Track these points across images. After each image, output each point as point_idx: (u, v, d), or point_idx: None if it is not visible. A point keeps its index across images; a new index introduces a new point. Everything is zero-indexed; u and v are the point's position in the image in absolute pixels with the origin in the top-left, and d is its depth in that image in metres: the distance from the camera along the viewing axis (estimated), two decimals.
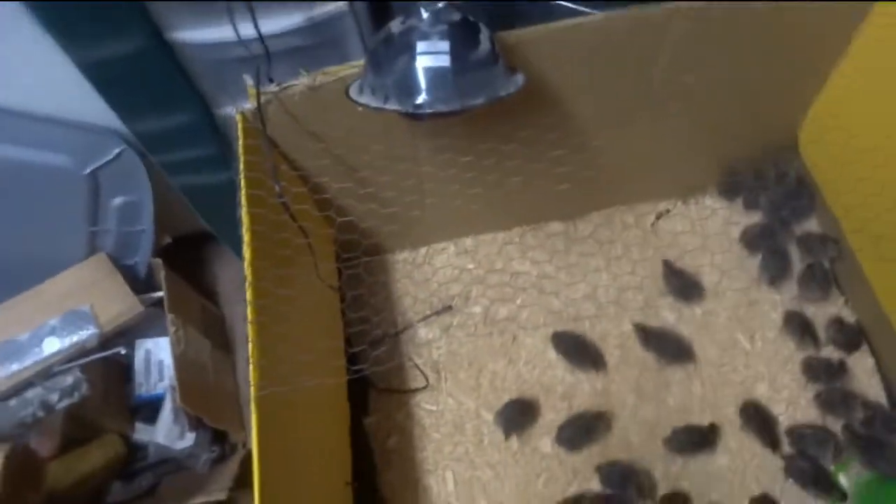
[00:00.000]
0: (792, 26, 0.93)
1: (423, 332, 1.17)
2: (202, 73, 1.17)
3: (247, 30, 0.93)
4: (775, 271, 1.11)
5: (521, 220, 1.23)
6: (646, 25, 0.89)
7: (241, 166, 0.81)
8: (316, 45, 1.14)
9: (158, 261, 1.14)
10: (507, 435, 1.05)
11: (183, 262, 1.24)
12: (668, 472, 1.02)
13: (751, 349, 1.09)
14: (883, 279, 1.01)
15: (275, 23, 1.08)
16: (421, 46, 0.71)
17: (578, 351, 1.10)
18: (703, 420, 1.04)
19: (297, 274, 0.94)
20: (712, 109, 1.05)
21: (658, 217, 1.22)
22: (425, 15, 0.73)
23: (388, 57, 0.74)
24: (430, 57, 0.71)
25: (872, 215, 0.97)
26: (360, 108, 0.76)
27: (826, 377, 1.02)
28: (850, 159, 1.02)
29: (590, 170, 1.09)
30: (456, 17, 0.74)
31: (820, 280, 1.09)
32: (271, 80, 0.89)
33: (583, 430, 1.04)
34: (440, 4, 0.72)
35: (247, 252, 0.80)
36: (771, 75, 1.02)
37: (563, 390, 1.09)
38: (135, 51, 0.98)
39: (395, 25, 0.75)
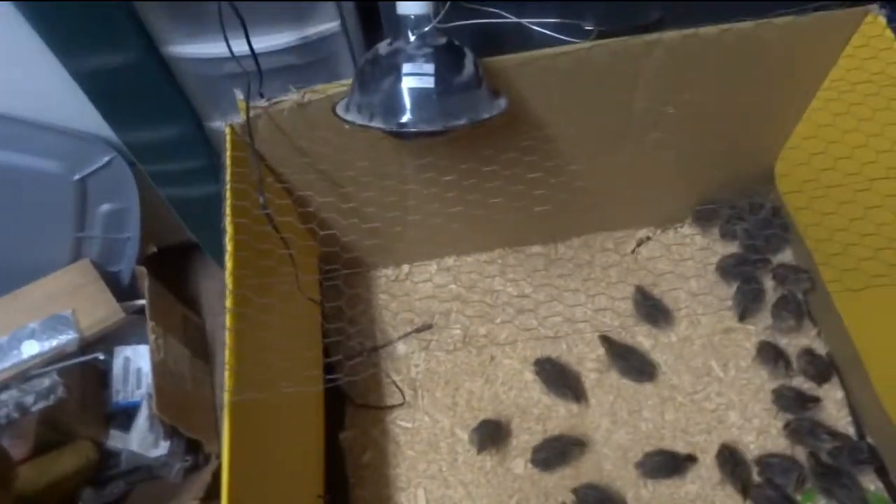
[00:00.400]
0: (770, 58, 0.96)
1: (402, 349, 1.18)
2: (195, 87, 1.19)
3: (240, 46, 0.95)
4: (748, 302, 1.12)
5: (503, 242, 1.25)
6: (627, 55, 0.91)
7: (228, 177, 0.83)
8: (308, 63, 1.17)
9: (142, 269, 1.14)
10: (481, 451, 1.05)
11: (167, 271, 1.25)
12: (638, 496, 1.03)
13: (724, 377, 1.11)
14: (852, 312, 1.03)
15: (268, 40, 1.10)
16: (406, 68, 0.74)
17: (560, 379, 1.10)
18: (675, 446, 1.05)
19: (278, 284, 0.95)
20: (691, 139, 1.08)
21: (639, 244, 1.25)
22: (412, 38, 0.76)
23: (375, 77, 0.76)
24: (415, 78, 0.73)
25: (840, 249, 1.00)
26: (346, 126, 0.79)
27: (796, 407, 1.04)
28: (820, 193, 1.05)
29: (568, 193, 1.11)
30: (441, 41, 0.76)
31: (793, 310, 1.11)
32: (262, 96, 0.91)
33: (558, 452, 1.05)
34: (427, 28, 0.75)
35: (229, 262, 0.82)
36: (750, 106, 1.05)
37: (539, 412, 1.10)
38: (129, 63, 1.00)
39: (383, 47, 0.78)
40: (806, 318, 1.13)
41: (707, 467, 1.04)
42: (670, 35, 0.90)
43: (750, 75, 0.99)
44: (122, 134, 1.05)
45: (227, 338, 0.77)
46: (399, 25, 0.77)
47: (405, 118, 0.73)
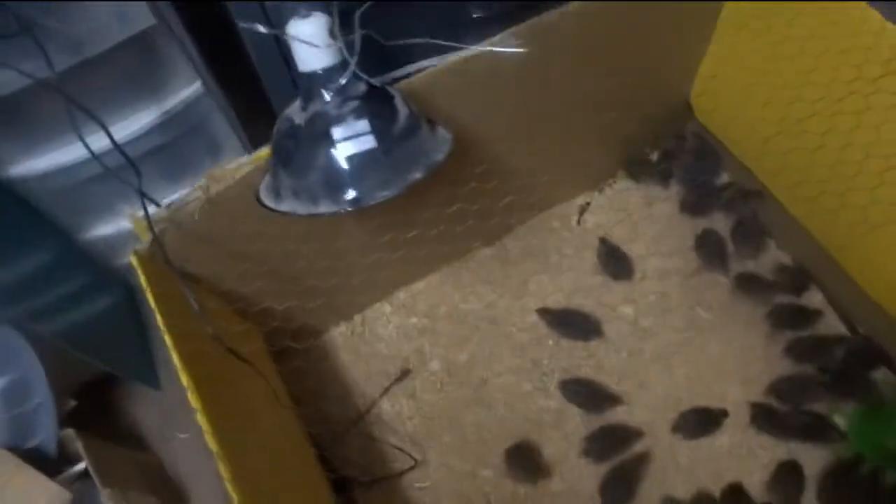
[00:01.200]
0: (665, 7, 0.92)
1: (389, 406, 1.08)
2: (52, 203, 1.01)
3: (97, 142, 0.79)
4: (713, 257, 1.11)
5: (450, 257, 1.16)
6: (537, 37, 0.84)
7: (159, 317, 0.68)
8: (178, 137, 1.01)
9: (70, 432, 0.96)
10: (525, 482, 0.99)
11: (91, 417, 1.06)
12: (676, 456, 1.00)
13: (712, 318, 1.09)
14: (811, 217, 1.03)
15: (126, 127, 0.94)
16: (337, 132, 0.62)
17: (592, 398, 1.05)
18: (699, 402, 1.02)
19: (248, 396, 0.83)
20: (606, 95, 1.03)
21: (581, 212, 1.20)
22: (328, 96, 0.64)
23: (302, 152, 0.64)
24: (351, 142, 0.62)
25: (779, 162, 0.99)
26: (288, 217, 0.66)
27: (793, 323, 1.04)
28: (740, 112, 1.04)
29: (502, 189, 1.04)
30: (362, 87, 0.65)
31: (753, 233, 1.11)
32: (144, 196, 0.75)
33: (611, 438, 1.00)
34: (343, 80, 0.63)
35: (193, 400, 0.68)
36: (657, 50, 1.02)
37: (552, 419, 1.04)
38: None
39: (296, 114, 0.65)
40: (763, 236, 1.13)
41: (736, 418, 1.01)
42: (574, 4, 0.83)
43: (652, 17, 0.94)
44: None
45: (221, 469, 0.64)
46: (306, 84, 0.65)
47: (356, 192, 0.62)
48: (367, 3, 0.63)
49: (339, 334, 1.14)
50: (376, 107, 0.64)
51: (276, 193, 0.67)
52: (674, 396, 1.04)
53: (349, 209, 0.62)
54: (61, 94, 0.67)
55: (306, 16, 0.62)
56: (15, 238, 1.00)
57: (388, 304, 1.15)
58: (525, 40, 0.82)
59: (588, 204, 1.21)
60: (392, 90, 0.67)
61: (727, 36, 1.02)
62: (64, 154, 0.93)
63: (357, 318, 1.15)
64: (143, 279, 0.69)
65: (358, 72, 0.63)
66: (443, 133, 0.71)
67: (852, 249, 0.99)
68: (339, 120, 0.62)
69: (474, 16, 0.97)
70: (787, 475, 0.95)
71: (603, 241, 1.15)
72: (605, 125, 1.09)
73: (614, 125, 1.11)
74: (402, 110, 0.66)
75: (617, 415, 1.03)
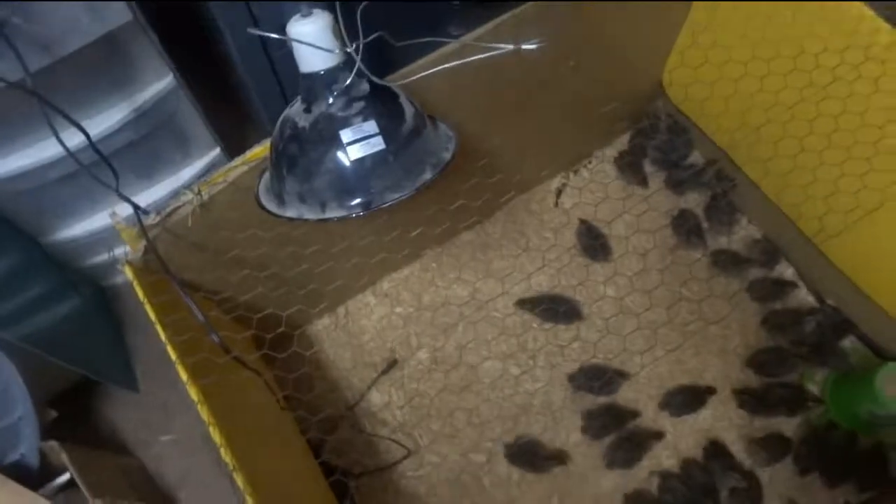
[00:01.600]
0: None
1: (377, 397, 1.08)
2: (16, 207, 0.96)
3: (67, 141, 0.75)
4: (691, 236, 1.14)
5: (430, 243, 1.16)
6: (523, 27, 0.83)
7: (160, 330, 0.65)
8: (149, 133, 0.97)
9: (54, 444, 0.92)
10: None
11: (69, 425, 1.03)
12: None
13: (692, 295, 1.12)
14: (781, 193, 1.07)
15: (98, 124, 0.90)
16: (345, 135, 0.60)
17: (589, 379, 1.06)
18: (683, 379, 1.06)
19: (250, 401, 0.82)
20: (583, 80, 1.03)
21: (558, 195, 1.20)
22: (332, 98, 0.62)
23: (307, 156, 0.62)
24: (359, 145, 0.60)
25: (751, 139, 1.02)
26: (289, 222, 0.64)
27: (768, 296, 1.08)
28: (711, 93, 1.06)
29: (482, 175, 1.04)
30: (365, 87, 0.63)
31: (725, 210, 1.14)
32: (137, 208, 0.72)
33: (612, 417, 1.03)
34: (348, 81, 0.61)
35: (202, 410, 0.66)
36: (632, 32, 1.02)
37: (540, 401, 1.06)
38: None
39: (298, 116, 0.63)
40: (736, 211, 1.16)
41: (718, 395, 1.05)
42: None
43: (630, 10, 0.95)
44: None
45: (237, 479, 0.63)
46: (309, 85, 0.63)
47: (367, 196, 0.61)
48: (366, 2, 0.61)
49: (323, 328, 1.12)
50: (382, 107, 0.63)
51: (279, 198, 0.65)
52: (656, 373, 1.07)
53: (361, 213, 0.60)
54: (37, 97, 0.63)
55: (307, 15, 0.60)
56: None
57: (371, 294, 1.14)
58: (510, 31, 0.81)
59: (564, 185, 1.21)
60: (395, 88, 0.65)
61: (699, 15, 1.03)
62: (29, 156, 0.87)
63: (340, 310, 1.14)
64: (139, 291, 0.66)
65: (365, 71, 0.61)
66: (445, 130, 0.70)
67: (823, 223, 1.03)
68: (346, 122, 0.61)
69: (454, 3, 0.96)
70: (770, 442, 0.99)
71: (582, 221, 1.16)
72: (578, 107, 1.10)
73: (588, 107, 1.12)
74: (408, 109, 0.65)
75: (609, 394, 1.06)
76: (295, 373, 1.00)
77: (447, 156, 0.66)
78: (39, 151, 0.87)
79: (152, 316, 0.65)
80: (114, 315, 1.16)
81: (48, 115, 0.68)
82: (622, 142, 1.23)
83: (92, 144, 0.70)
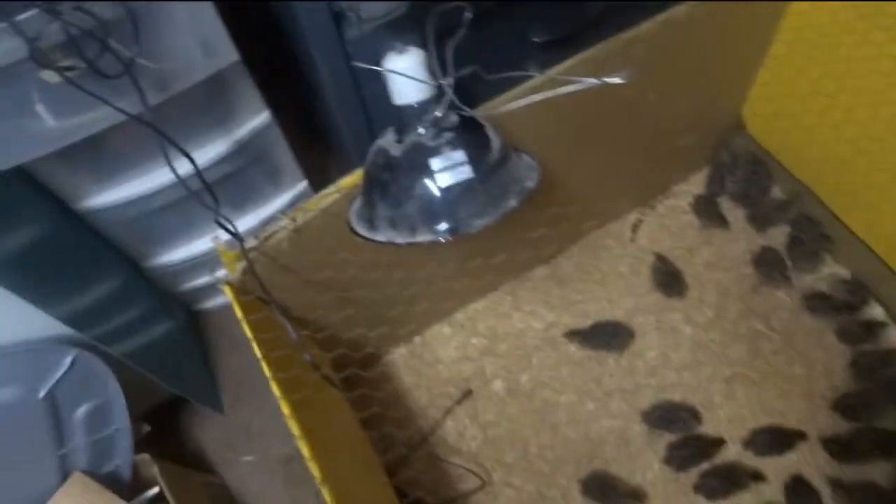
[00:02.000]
0: (726, 26, 0.94)
1: (452, 426, 1.09)
2: (122, 233, 1.03)
3: (165, 175, 0.81)
4: (770, 263, 1.12)
5: (506, 276, 1.17)
6: (608, 62, 0.85)
7: (256, 347, 0.69)
8: (243, 167, 1.04)
9: (146, 457, 0.97)
10: None
11: (159, 441, 1.08)
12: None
13: (772, 334, 1.09)
14: (866, 226, 1.04)
15: (199, 156, 0.96)
16: (435, 163, 0.63)
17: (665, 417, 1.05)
18: (760, 417, 1.03)
19: (334, 422, 0.84)
20: (664, 113, 1.04)
21: (634, 230, 1.20)
22: (422, 129, 0.65)
23: (399, 183, 0.65)
24: (448, 173, 0.63)
25: (836, 175, 1.00)
26: (388, 246, 0.67)
27: (858, 337, 1.04)
28: (794, 126, 1.05)
29: (559, 209, 1.05)
30: (454, 118, 0.66)
31: (809, 246, 1.11)
32: (234, 235, 0.76)
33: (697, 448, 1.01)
34: (440, 113, 0.65)
35: (295, 428, 0.68)
36: (713, 67, 1.03)
37: (616, 438, 1.05)
38: (45, 233, 0.89)
39: (391, 146, 0.67)
40: (821, 249, 1.13)
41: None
42: (647, 27, 0.84)
43: (711, 38, 0.96)
44: (56, 309, 0.88)
45: (324, 492, 0.65)
46: (402, 116, 0.66)
47: (454, 222, 0.63)
48: (461, 37, 0.65)
49: (400, 356, 1.15)
50: (470, 137, 0.66)
51: (370, 223, 0.68)
52: (738, 414, 1.04)
53: (448, 238, 0.63)
54: (155, 130, 0.69)
55: (402, 51, 0.64)
56: (90, 266, 1.03)
57: (447, 325, 1.16)
58: (593, 65, 0.84)
59: (641, 220, 1.21)
60: (482, 120, 0.68)
61: (781, 48, 1.03)
62: (138, 185, 0.95)
63: (416, 339, 1.16)
64: (238, 310, 0.70)
65: (457, 102, 0.64)
66: (528, 160, 0.72)
67: None
68: (436, 151, 0.64)
69: (533, 40, 0.99)
70: (860, 490, 0.95)
71: (658, 257, 1.16)
72: (657, 141, 1.11)
73: (667, 141, 1.12)
74: (494, 138, 0.68)
75: (687, 431, 1.03)
76: (373, 397, 1.03)
77: (531, 184, 0.68)
78: (145, 182, 0.94)
79: (248, 333, 0.69)
80: (202, 339, 1.22)
81: (163, 147, 0.75)
82: (700, 176, 1.22)
83: (199, 174, 0.75)
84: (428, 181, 0.64)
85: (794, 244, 1.13)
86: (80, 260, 1.00)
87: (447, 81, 0.65)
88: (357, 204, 0.72)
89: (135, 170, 0.95)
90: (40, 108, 0.71)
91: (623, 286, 1.16)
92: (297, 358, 0.74)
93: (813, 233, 1.12)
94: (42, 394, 0.86)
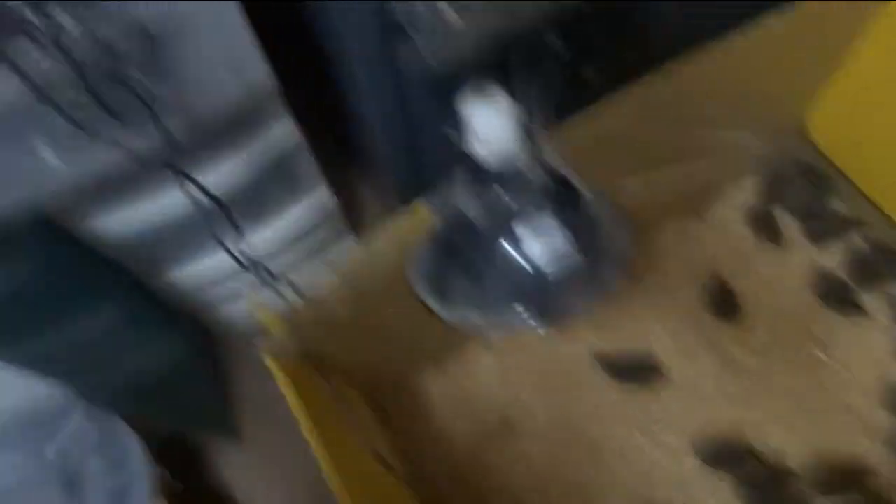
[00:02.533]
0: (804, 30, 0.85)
1: (490, 458, 1.01)
2: (128, 254, 0.93)
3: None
4: (829, 284, 1.05)
5: None
6: (679, 80, 0.76)
7: (308, 427, 0.60)
8: (265, 179, 0.93)
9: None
10: None
11: (182, 477, 0.99)
12: None
13: (827, 360, 1.03)
14: None
15: (222, 175, 0.85)
16: (525, 232, 0.54)
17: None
18: (823, 450, 0.97)
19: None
20: (721, 116, 0.95)
21: (683, 244, 1.12)
22: (509, 188, 0.55)
23: (477, 251, 0.55)
24: (542, 243, 0.54)
25: None
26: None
27: None
28: (866, 133, 0.97)
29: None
30: (545, 175, 0.56)
31: (872, 266, 1.04)
32: (272, 277, 0.67)
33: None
34: (528, 170, 0.55)
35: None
36: (782, 73, 0.94)
37: (666, 471, 0.98)
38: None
39: (466, 203, 0.57)
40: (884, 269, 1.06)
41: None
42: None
43: (786, 45, 0.86)
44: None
45: None
46: (478, 169, 0.56)
47: (553, 307, 0.54)
48: (543, 84, 0.55)
49: (434, 383, 1.06)
50: (560, 195, 0.56)
51: (440, 292, 0.59)
52: (796, 444, 0.98)
53: (546, 328, 0.54)
54: (188, 178, 0.59)
55: (490, 92, 0.54)
56: (91, 290, 0.92)
57: (483, 351, 1.08)
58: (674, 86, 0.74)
59: (689, 233, 1.13)
60: (570, 172, 0.59)
61: (852, 53, 0.94)
62: (152, 207, 0.84)
63: (453, 367, 1.07)
64: (286, 387, 0.61)
65: (547, 156, 0.55)
66: (615, 214, 0.63)
67: None
68: (526, 216, 0.54)
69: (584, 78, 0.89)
70: None
71: (709, 275, 1.08)
72: (713, 146, 1.02)
73: (723, 146, 1.03)
74: (585, 194, 0.58)
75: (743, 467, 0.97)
76: (407, 434, 0.95)
77: (626, 246, 0.58)
78: (161, 203, 0.83)
79: (300, 411, 0.60)
80: (220, 362, 1.13)
81: (181, 183, 0.65)
82: (755, 186, 1.13)
83: (224, 208, 0.66)
84: (516, 253, 0.54)
85: (857, 265, 1.05)
86: (83, 285, 0.90)
87: (539, 130, 0.54)
88: (422, 265, 0.62)
89: (145, 190, 0.84)
90: (46, 152, 0.59)
91: (670, 306, 1.08)
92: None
93: (878, 255, 1.04)
94: (51, 455, 0.77)
